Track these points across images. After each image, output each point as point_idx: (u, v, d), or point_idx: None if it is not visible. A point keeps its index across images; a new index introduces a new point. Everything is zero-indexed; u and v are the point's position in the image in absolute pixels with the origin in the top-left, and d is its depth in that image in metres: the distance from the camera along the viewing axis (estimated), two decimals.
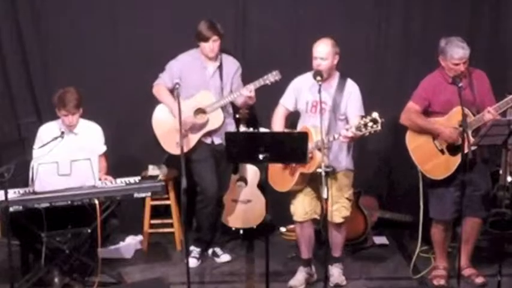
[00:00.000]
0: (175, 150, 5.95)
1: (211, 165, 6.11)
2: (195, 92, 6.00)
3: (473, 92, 5.44)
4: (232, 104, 6.21)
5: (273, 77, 5.88)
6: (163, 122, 6.09)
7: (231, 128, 6.20)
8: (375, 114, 5.11)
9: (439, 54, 5.47)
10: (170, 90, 6.04)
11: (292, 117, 5.72)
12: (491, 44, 6.66)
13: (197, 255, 6.22)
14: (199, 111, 6.00)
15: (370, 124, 5.11)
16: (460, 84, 5.24)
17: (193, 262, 6.10)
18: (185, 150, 5.74)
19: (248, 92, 5.89)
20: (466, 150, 5.08)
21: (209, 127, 6.03)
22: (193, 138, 6.03)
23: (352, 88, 5.53)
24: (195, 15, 6.15)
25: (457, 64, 5.38)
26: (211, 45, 5.98)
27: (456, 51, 5.37)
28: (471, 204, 5.47)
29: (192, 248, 6.20)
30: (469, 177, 5.28)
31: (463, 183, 5.20)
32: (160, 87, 6.10)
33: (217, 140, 6.11)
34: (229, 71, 6.11)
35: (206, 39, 5.96)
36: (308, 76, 5.55)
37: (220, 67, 6.09)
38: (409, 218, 6.60)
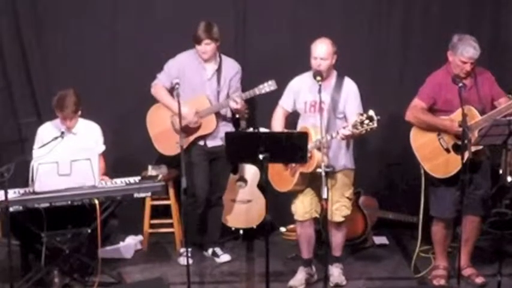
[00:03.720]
0: (168, 151, 5.98)
1: (203, 169, 6.09)
2: (192, 92, 5.97)
3: (478, 90, 5.43)
4: None
5: (268, 87, 5.89)
6: (157, 123, 6.10)
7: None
8: (371, 112, 5.11)
9: (449, 49, 5.44)
10: (168, 90, 6.04)
11: (292, 118, 5.72)
12: (492, 44, 6.64)
13: (189, 254, 6.14)
14: (196, 114, 5.98)
15: (366, 122, 5.11)
16: (460, 84, 5.23)
17: (184, 260, 5.96)
18: (178, 151, 5.77)
19: (234, 103, 5.90)
20: (466, 153, 5.07)
21: (201, 132, 6.03)
22: (185, 141, 6.00)
23: (350, 86, 5.54)
24: (196, 16, 6.15)
25: (464, 62, 5.37)
26: (203, 48, 5.95)
27: (467, 50, 5.34)
28: (471, 203, 5.46)
29: (182, 250, 6.20)
30: (470, 176, 5.27)
31: (464, 183, 5.19)
32: (158, 87, 6.09)
33: (211, 143, 6.10)
34: (227, 75, 6.09)
35: (199, 42, 5.94)
36: (306, 76, 5.56)
37: (218, 70, 6.08)
38: (409, 218, 6.59)
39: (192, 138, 6.04)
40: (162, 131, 6.06)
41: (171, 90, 6.02)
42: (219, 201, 6.36)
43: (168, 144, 6.01)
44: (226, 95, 6.07)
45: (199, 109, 5.97)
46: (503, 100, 5.47)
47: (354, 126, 5.15)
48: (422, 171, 5.58)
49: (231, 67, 6.14)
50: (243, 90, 6.07)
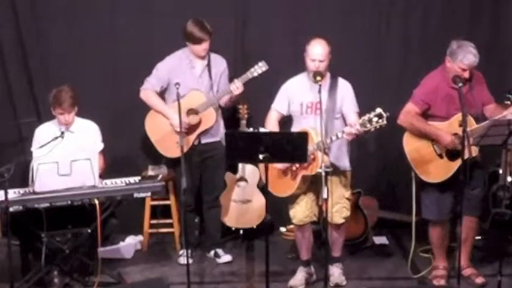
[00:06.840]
0: (173, 153, 5.95)
1: (193, 169, 6.05)
2: (185, 92, 5.94)
3: (473, 94, 5.43)
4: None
5: (259, 68, 5.89)
6: (157, 127, 6.06)
7: (220, 127, 6.18)
8: (379, 109, 5.07)
9: (448, 55, 5.40)
10: (158, 94, 6.03)
11: (285, 121, 5.70)
12: (491, 44, 6.64)
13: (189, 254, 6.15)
14: (191, 111, 5.97)
15: (375, 119, 5.07)
16: (460, 84, 5.22)
17: (184, 260, 5.96)
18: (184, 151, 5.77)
19: (236, 88, 5.89)
20: (466, 155, 5.05)
21: (202, 127, 6.01)
22: (189, 140, 6.00)
23: (345, 86, 5.52)
24: (195, 15, 6.14)
25: (464, 69, 5.33)
26: (204, 46, 5.95)
27: (467, 57, 5.31)
28: (467, 204, 5.42)
29: (181, 251, 6.24)
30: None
31: (461, 185, 5.17)
32: (148, 92, 6.06)
33: (204, 139, 6.07)
34: (217, 70, 6.08)
35: (199, 42, 5.92)
36: (300, 78, 5.55)
37: (208, 66, 6.06)
38: (409, 218, 6.58)
39: (195, 135, 6.01)
40: (164, 135, 6.02)
41: (161, 94, 6.03)
42: (216, 201, 6.34)
43: (172, 146, 5.98)
44: (217, 91, 6.05)
45: (194, 105, 5.92)
46: (492, 106, 5.47)
47: (363, 124, 5.11)
48: (413, 175, 5.57)
49: (220, 63, 6.12)
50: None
